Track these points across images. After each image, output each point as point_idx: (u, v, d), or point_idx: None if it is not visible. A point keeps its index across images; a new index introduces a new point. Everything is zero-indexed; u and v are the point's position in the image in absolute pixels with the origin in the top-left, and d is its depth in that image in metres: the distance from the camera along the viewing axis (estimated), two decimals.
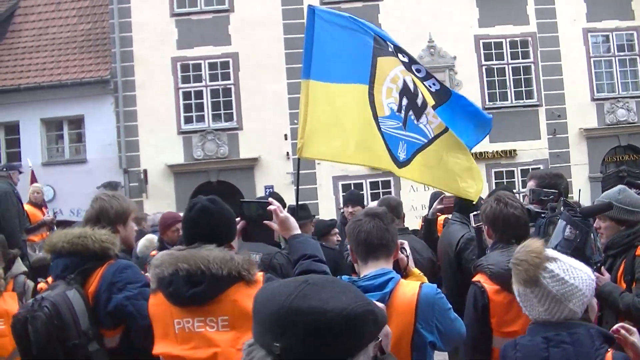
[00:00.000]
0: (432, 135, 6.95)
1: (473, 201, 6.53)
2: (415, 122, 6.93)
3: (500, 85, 24.07)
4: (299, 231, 4.14)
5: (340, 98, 6.69)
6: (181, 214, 7.36)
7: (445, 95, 7.19)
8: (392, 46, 7.01)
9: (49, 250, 4.41)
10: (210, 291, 3.48)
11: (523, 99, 24.19)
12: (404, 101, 6.88)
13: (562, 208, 4.65)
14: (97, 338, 4.12)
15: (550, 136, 23.74)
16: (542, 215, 4.84)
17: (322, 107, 6.56)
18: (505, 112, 23.52)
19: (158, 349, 3.65)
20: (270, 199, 4.19)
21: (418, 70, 7.17)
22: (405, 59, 7.09)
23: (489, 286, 4.34)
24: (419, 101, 6.95)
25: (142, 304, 4.08)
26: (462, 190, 6.82)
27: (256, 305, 1.77)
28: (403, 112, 6.89)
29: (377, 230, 3.71)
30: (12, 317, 4.13)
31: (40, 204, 12.95)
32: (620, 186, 5.15)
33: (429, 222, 7.62)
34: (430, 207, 9.36)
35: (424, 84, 7.11)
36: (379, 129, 6.71)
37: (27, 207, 12.22)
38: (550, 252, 3.30)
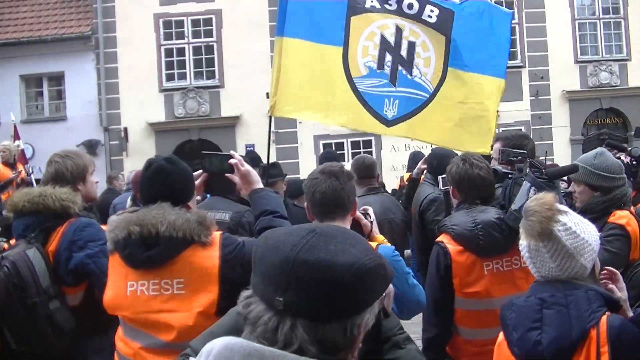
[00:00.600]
0: (433, 88, 6.87)
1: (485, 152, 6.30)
2: (409, 76, 6.84)
3: None
4: (260, 186, 4.06)
5: (314, 58, 6.68)
6: None
7: (448, 19, 6.96)
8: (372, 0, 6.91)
9: (11, 210, 4.39)
10: (164, 254, 3.42)
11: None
12: (387, 57, 6.82)
13: (527, 169, 4.61)
14: (58, 296, 4.12)
15: (533, 98, 23.75)
16: (510, 176, 4.80)
17: (297, 65, 6.55)
18: None
19: (113, 310, 3.61)
20: (231, 152, 4.11)
21: (410, 7, 6.96)
22: (393, 6, 6.96)
23: (452, 247, 4.36)
24: (404, 53, 6.86)
25: (103, 262, 4.04)
26: (468, 145, 6.63)
27: (257, 255, 1.66)
28: (388, 68, 6.82)
29: (332, 191, 3.63)
30: None
31: (11, 162, 12.78)
32: (598, 149, 5.00)
33: (413, 181, 7.58)
34: (409, 167, 9.35)
35: (419, 22, 6.96)
36: (356, 90, 6.67)
37: None
38: (561, 205, 3.21)
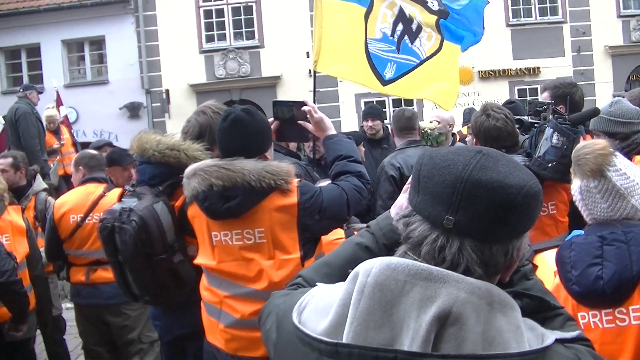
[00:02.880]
0: (425, 56, 7.19)
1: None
2: (410, 45, 7.18)
3: (525, 1, 23.58)
4: (334, 132, 4.09)
5: (345, 16, 6.96)
6: None
7: (444, 13, 7.37)
8: None
9: (138, 151, 4.25)
10: (245, 204, 3.47)
11: (547, 16, 23.70)
12: (399, 27, 7.14)
13: (550, 116, 4.67)
14: (182, 249, 4.10)
15: (575, 53, 23.37)
16: (535, 125, 4.82)
17: (332, 23, 6.77)
18: (529, 29, 23.24)
19: (199, 259, 3.70)
20: (304, 99, 4.13)
21: None
22: None
23: None
24: (414, 26, 7.18)
25: None
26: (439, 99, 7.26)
27: (423, 173, 1.59)
28: (397, 37, 7.08)
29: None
30: (99, 222, 4.10)
31: (55, 130, 12.86)
32: (614, 98, 4.98)
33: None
34: (464, 121, 9.47)
35: (424, 6, 7.31)
36: (367, 49, 6.90)
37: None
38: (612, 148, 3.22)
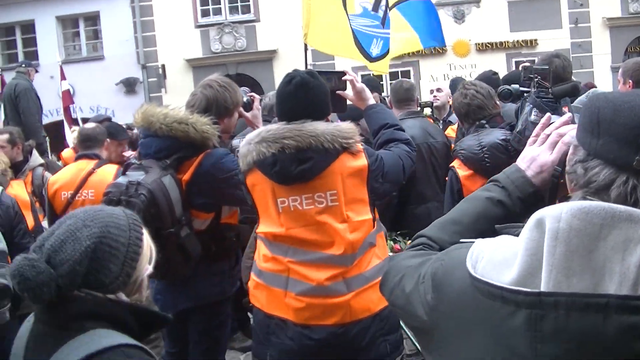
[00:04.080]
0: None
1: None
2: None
3: None
4: (374, 101, 4.11)
5: None
6: None
7: None
8: None
9: (143, 124, 4.18)
10: (318, 166, 3.40)
11: None
12: (383, 1, 7.13)
13: (533, 90, 4.57)
14: (188, 223, 4.08)
15: (572, 25, 23.29)
16: (525, 94, 4.83)
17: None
18: (526, 1, 23.13)
19: (262, 228, 3.57)
20: (345, 69, 4.13)
21: None
22: None
23: (462, 171, 4.51)
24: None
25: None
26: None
27: (603, 117, 1.55)
28: (381, 11, 7.13)
29: None
30: (103, 196, 4.02)
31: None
32: (590, 90, 5.05)
33: None
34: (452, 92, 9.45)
35: None
36: (350, 25, 7.03)
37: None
38: None
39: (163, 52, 23.24)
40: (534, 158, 1.99)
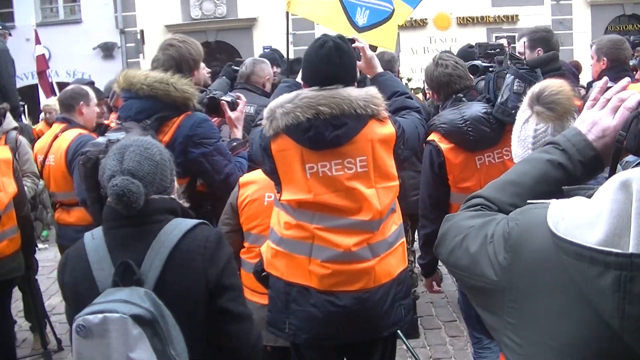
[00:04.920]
0: (393, 6, 7.18)
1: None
2: None
3: None
4: (382, 69, 4.13)
5: None
6: None
7: None
8: None
9: (126, 87, 4.24)
10: (351, 131, 3.41)
11: None
12: None
13: (509, 62, 4.68)
14: None
15: (554, 2, 23.38)
16: (490, 69, 4.91)
17: None
18: None
19: (287, 195, 3.52)
20: (354, 36, 4.15)
21: None
22: None
23: (444, 145, 4.49)
24: None
25: (217, 160, 4.25)
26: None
27: None
28: None
29: None
30: (80, 156, 3.87)
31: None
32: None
33: None
34: None
35: None
36: None
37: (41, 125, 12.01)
38: None
39: (142, 17, 23.02)
40: (595, 122, 1.97)
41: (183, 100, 4.18)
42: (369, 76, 4.19)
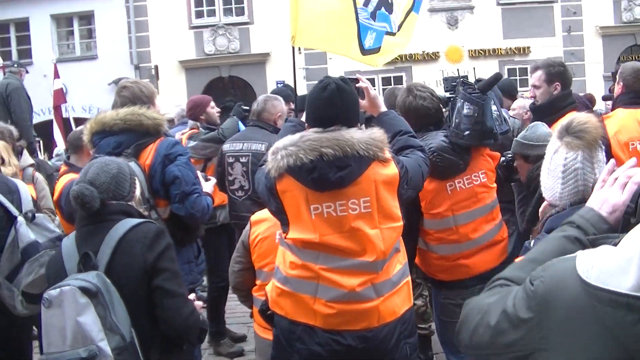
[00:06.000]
0: (395, 30, 7.21)
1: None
2: (386, 13, 7.15)
3: None
4: (385, 108, 4.19)
5: None
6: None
7: None
8: None
9: (99, 129, 4.56)
10: (355, 173, 3.44)
11: None
12: None
13: (460, 88, 4.83)
14: (154, 208, 4.38)
15: (565, 33, 23.39)
16: (451, 99, 5.03)
17: None
18: (519, 8, 23.23)
19: (293, 234, 3.56)
20: (358, 76, 4.22)
21: None
22: None
23: None
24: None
25: (188, 173, 4.55)
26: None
27: None
28: (372, 7, 7.08)
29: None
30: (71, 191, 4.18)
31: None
32: (532, 123, 5.11)
33: None
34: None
35: None
36: (357, 18, 6.86)
37: None
38: None
39: (156, 52, 23.24)
40: (605, 199, 2.08)
41: (154, 126, 4.57)
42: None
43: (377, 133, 3.55)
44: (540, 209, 3.39)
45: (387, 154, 3.57)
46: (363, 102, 4.06)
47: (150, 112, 4.58)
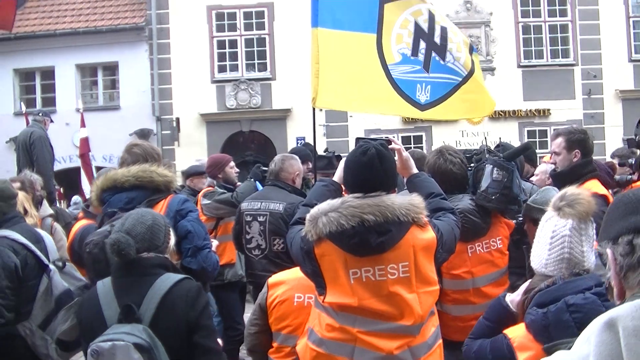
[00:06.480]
0: (466, 72, 7.09)
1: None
2: (442, 62, 7.03)
3: (537, 43, 23.73)
4: (417, 170, 4.22)
5: (348, 46, 6.85)
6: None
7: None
8: None
9: (110, 185, 4.67)
10: (395, 238, 3.46)
11: (559, 58, 23.81)
12: (422, 44, 7.00)
13: (487, 155, 5.05)
14: None
15: (585, 96, 23.41)
16: (469, 168, 5.18)
17: (333, 55, 6.69)
18: (540, 71, 23.35)
19: (330, 298, 3.56)
20: (390, 137, 4.30)
21: None
22: None
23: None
24: (437, 39, 7.02)
25: (200, 228, 4.70)
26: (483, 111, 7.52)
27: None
28: (422, 55, 6.96)
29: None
30: (86, 247, 4.30)
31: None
32: (542, 187, 5.21)
33: None
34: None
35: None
36: (390, 76, 6.80)
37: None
38: None
39: (178, 105, 23.41)
40: None
41: (165, 183, 4.75)
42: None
43: (416, 199, 3.59)
44: (527, 285, 3.41)
45: (425, 219, 3.59)
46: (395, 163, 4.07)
47: (161, 169, 4.75)
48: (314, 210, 3.55)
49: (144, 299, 3.43)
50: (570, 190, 3.35)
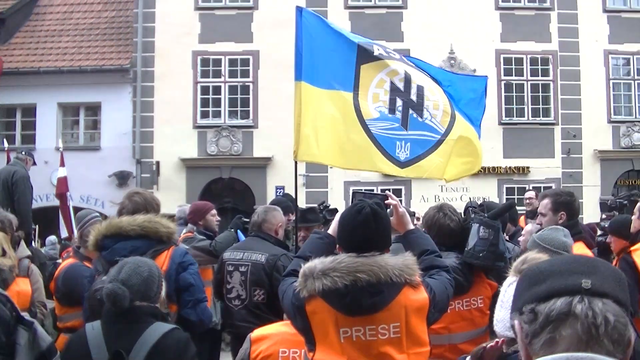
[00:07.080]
0: (444, 129, 7.14)
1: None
2: (420, 119, 7.07)
3: (518, 101, 24.02)
4: (412, 226, 4.21)
5: (329, 104, 6.90)
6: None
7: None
8: (379, 48, 7.16)
9: (114, 232, 4.81)
10: (387, 298, 3.43)
11: (539, 117, 24.11)
12: (398, 102, 7.07)
13: (472, 214, 5.20)
14: (169, 313, 4.55)
15: (565, 155, 23.66)
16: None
17: (315, 110, 6.76)
18: (520, 129, 23.65)
19: (320, 356, 3.51)
20: (387, 193, 4.29)
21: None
22: (397, 56, 7.28)
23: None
24: (414, 97, 7.05)
25: (199, 281, 4.98)
26: (465, 171, 7.61)
27: (550, 267, 1.75)
28: (399, 112, 7.01)
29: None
30: (95, 290, 4.45)
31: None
32: (553, 226, 5.25)
33: None
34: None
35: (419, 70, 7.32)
36: (369, 131, 6.84)
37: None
38: None
39: (159, 149, 23.36)
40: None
41: (168, 235, 4.94)
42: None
43: (409, 259, 3.56)
44: (491, 345, 3.41)
45: (419, 279, 3.56)
46: (391, 219, 4.03)
47: (165, 220, 4.93)
48: (307, 266, 3.52)
49: (133, 346, 3.55)
50: (531, 255, 3.44)
